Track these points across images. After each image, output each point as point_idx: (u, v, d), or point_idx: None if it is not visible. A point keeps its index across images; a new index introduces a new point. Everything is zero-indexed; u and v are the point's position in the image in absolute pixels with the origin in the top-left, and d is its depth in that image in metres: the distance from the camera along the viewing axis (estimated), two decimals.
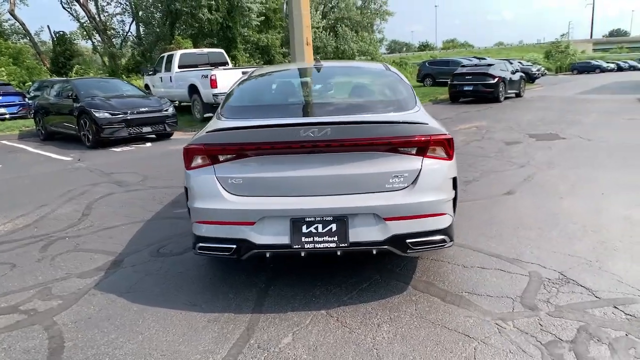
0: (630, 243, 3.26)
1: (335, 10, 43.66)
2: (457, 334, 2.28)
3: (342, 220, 2.35)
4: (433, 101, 16.58)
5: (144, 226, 4.17)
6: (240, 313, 2.57)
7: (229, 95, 3.07)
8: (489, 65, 15.88)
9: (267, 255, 2.45)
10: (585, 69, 44.13)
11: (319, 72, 3.48)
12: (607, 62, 48.14)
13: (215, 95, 10.71)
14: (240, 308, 2.62)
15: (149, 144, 9.30)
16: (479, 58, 26.42)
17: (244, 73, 10.37)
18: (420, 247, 2.45)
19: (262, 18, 34.72)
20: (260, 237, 2.40)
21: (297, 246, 2.37)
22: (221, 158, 2.46)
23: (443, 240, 2.46)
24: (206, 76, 10.79)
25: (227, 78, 10.80)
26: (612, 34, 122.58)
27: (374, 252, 2.41)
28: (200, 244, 2.53)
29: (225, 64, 13.26)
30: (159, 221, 4.31)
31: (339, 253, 2.40)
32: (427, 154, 2.40)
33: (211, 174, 2.47)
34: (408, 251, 2.43)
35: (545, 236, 3.46)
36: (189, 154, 2.53)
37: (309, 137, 2.32)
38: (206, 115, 11.60)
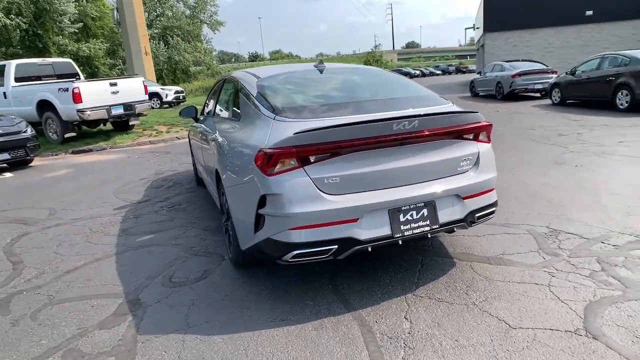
0: (565, 199, 4.25)
1: (162, 18, 41.50)
2: (528, 284, 2.71)
3: (431, 204, 2.55)
4: None
5: (119, 260, 3.53)
6: (338, 314, 2.53)
7: (263, 96, 2.90)
8: None
9: (369, 249, 2.48)
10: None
11: (337, 71, 3.55)
12: (414, 69, 57.58)
13: (80, 111, 9.25)
14: (333, 310, 2.57)
15: (8, 174, 7.54)
16: None
17: (112, 85, 9.25)
18: (482, 219, 2.81)
19: (80, 25, 30.84)
20: (364, 232, 2.43)
21: (397, 235, 2.48)
22: (312, 159, 2.39)
23: (494, 211, 2.88)
24: (66, 89, 9.22)
25: (92, 91, 9.47)
26: (409, 45, 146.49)
27: (455, 229, 2.69)
28: (297, 251, 2.39)
29: (75, 75, 11.49)
30: (132, 252, 3.70)
31: (429, 235, 2.59)
32: (480, 139, 2.79)
33: (304, 176, 2.37)
34: (473, 224, 2.77)
35: (506, 204, 4.23)
36: (272, 159, 2.37)
37: (400, 130, 2.45)
38: (67, 135, 9.92)
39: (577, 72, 11.76)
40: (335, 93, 3.20)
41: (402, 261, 3.14)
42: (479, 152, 2.76)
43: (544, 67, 15.29)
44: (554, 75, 14.06)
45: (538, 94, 14.69)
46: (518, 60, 16.33)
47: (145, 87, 10.91)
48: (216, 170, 3.32)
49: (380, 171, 2.47)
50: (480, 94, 17.17)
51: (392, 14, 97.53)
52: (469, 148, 2.72)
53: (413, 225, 2.51)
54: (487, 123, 2.79)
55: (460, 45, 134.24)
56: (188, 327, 2.51)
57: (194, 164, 5.78)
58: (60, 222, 4.68)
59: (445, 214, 2.60)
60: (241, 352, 2.25)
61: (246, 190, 2.59)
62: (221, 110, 3.86)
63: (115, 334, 2.48)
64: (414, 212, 2.51)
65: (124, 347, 2.36)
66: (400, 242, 2.52)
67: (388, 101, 2.98)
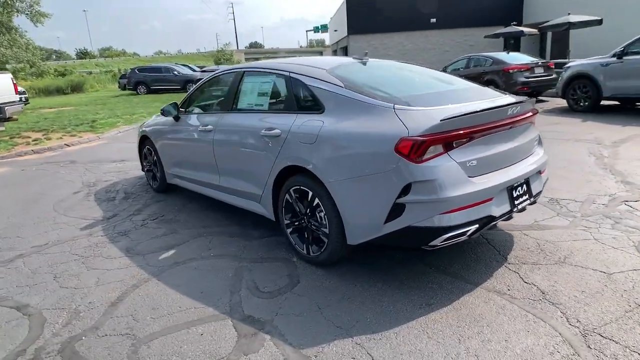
0: None
1: None
2: (582, 241, 3.26)
3: (527, 180, 2.88)
4: None
5: (167, 282, 3.01)
6: (469, 291, 2.67)
7: (353, 88, 2.81)
8: None
9: (497, 225, 2.68)
10: None
11: (382, 65, 3.54)
12: None
13: None
14: (460, 287, 2.71)
15: None
16: (187, 65, 26.89)
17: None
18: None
19: None
20: (497, 209, 2.62)
21: (514, 210, 2.74)
22: (455, 144, 2.47)
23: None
24: None
25: None
26: (252, 45, 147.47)
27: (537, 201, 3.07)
28: (447, 235, 2.45)
29: None
30: (172, 271, 3.17)
31: (526, 209, 2.92)
32: (534, 122, 3.23)
33: (451, 161, 2.45)
34: (537, 198, 3.19)
35: None
36: (422, 146, 2.37)
37: (511, 114, 2.71)
38: None
39: (447, 71, 13.71)
40: (412, 84, 3.27)
41: (477, 241, 3.42)
42: (538, 134, 3.20)
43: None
44: None
45: None
46: None
47: (15, 85, 8.94)
48: (268, 169, 3.15)
49: (500, 152, 2.70)
50: None
51: (233, 12, 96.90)
52: (534, 131, 3.14)
53: (520, 199, 2.80)
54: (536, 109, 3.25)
55: (301, 47, 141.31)
56: (344, 330, 2.35)
57: (155, 169, 5.09)
58: (22, 252, 3.67)
59: (534, 187, 2.96)
60: (425, 338, 2.24)
61: (376, 181, 2.53)
62: (259, 105, 3.54)
63: (273, 356, 2.18)
64: (520, 188, 2.81)
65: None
66: (512, 216, 2.79)
67: (469, 90, 3.20)
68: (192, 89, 4.51)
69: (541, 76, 11.56)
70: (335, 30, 30.96)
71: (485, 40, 20.98)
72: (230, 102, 3.82)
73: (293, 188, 3.09)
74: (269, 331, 2.38)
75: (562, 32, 18.05)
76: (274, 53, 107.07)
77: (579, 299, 2.52)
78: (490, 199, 2.57)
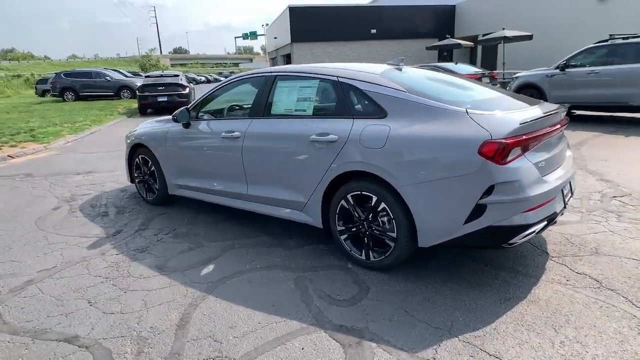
0: None
1: None
2: (602, 234, 3.59)
3: (569, 178, 3.13)
4: (128, 115, 15.28)
5: (226, 298, 2.83)
6: (531, 283, 2.84)
7: (417, 92, 2.87)
8: (175, 75, 16.14)
9: (556, 221, 2.86)
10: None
11: (417, 72, 3.61)
12: (198, 75, 56.55)
13: None
14: (521, 280, 2.86)
15: None
16: (132, 72, 25.27)
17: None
18: None
19: None
20: (557, 206, 2.81)
21: (565, 207, 2.96)
22: (529, 146, 2.62)
23: None
24: None
25: None
26: (177, 51, 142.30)
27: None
28: (525, 232, 2.58)
29: None
30: (225, 286, 2.99)
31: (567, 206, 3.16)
32: None
33: (528, 162, 2.59)
34: None
35: None
36: (507, 149, 2.49)
37: (560, 119, 2.93)
38: None
39: None
40: (460, 90, 3.37)
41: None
42: (567, 138, 3.48)
43: None
44: None
45: None
46: None
47: None
48: (321, 175, 3.13)
49: (555, 154, 2.90)
50: None
51: (156, 16, 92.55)
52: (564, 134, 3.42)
53: (566, 198, 3.03)
54: None
55: (228, 53, 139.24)
56: (444, 331, 2.38)
57: (152, 180, 4.75)
58: (30, 278, 3.23)
59: (573, 185, 3.22)
60: (524, 330, 2.33)
61: (457, 183, 2.60)
62: (300, 110, 3.44)
63: None
64: (567, 186, 3.04)
65: None
66: (563, 213, 3.01)
67: (508, 97, 3.37)
68: (203, 95, 4.28)
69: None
70: (275, 38, 30.95)
71: (422, 51, 22.25)
72: (261, 108, 3.68)
73: (352, 194, 3.06)
74: (371, 338, 2.34)
75: (491, 46, 19.70)
76: (203, 59, 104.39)
77: (630, 284, 2.78)
78: (555, 197, 2.76)
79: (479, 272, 3.02)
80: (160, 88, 15.07)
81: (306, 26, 23.77)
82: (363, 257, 3.12)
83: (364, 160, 2.92)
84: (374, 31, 24.38)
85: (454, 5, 24.73)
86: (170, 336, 2.45)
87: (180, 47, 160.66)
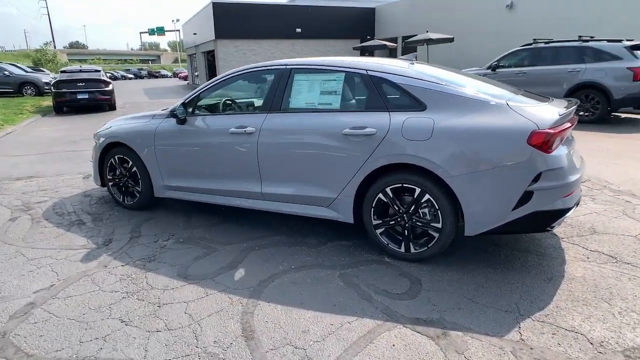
0: None
1: None
2: (591, 214, 4.01)
3: None
4: (42, 114, 13.56)
5: (280, 300, 2.67)
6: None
7: (454, 85, 2.95)
8: (97, 70, 14.64)
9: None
10: None
11: (426, 66, 3.65)
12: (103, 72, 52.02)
13: None
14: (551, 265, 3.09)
15: None
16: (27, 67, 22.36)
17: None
18: None
19: None
20: (580, 191, 3.08)
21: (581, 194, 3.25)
22: (564, 137, 2.83)
23: None
24: None
25: None
26: (73, 45, 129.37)
27: None
28: (564, 216, 2.79)
29: None
30: (273, 288, 2.81)
31: None
32: None
33: (566, 150, 2.80)
34: None
35: None
36: (552, 138, 2.66)
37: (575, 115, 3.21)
38: None
39: None
40: (484, 84, 3.48)
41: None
42: None
43: None
44: None
45: None
46: None
47: None
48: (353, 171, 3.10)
49: (573, 146, 3.17)
50: None
51: (47, 7, 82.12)
52: None
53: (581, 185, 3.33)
54: None
55: (132, 49, 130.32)
56: (516, 313, 2.48)
57: (131, 182, 4.30)
58: (28, 300, 2.73)
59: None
60: (583, 306, 2.52)
61: (506, 172, 2.72)
62: (325, 104, 3.32)
63: (493, 350, 2.18)
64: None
65: None
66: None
67: (525, 93, 3.56)
68: (198, 89, 3.95)
69: None
70: (195, 34, 29.59)
71: (346, 51, 22.89)
72: (277, 102, 3.50)
73: (391, 186, 3.05)
74: (453, 327, 2.36)
75: (412, 47, 20.87)
76: (106, 54, 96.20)
77: (637, 256, 3.15)
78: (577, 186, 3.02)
79: (510, 257, 3.20)
80: (80, 84, 13.60)
81: (231, 22, 23.06)
82: (402, 250, 3.13)
83: (409, 153, 2.93)
84: (299, 30, 24.46)
85: (374, 8, 25.76)
86: (244, 348, 2.24)
87: (77, 41, 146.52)
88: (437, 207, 2.93)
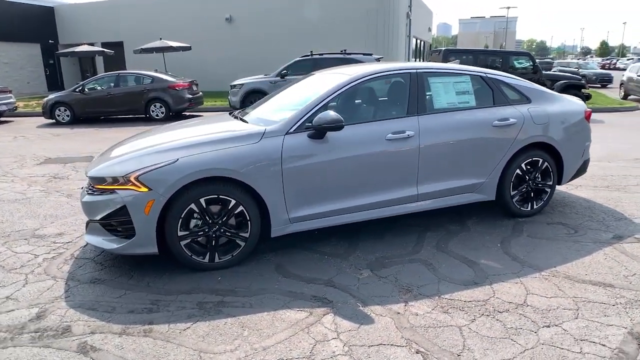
0: None
1: None
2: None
3: None
4: None
5: (356, 303, 3.20)
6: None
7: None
8: None
9: None
10: None
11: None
12: None
13: None
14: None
15: None
16: None
17: None
18: None
19: None
20: None
21: None
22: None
23: None
24: None
25: None
26: None
27: None
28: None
29: None
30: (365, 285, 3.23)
31: None
32: None
33: None
34: None
35: None
36: (590, 114, 4.32)
37: None
38: None
39: (86, 90, 11.99)
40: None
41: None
42: None
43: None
44: (8, 95, 12.81)
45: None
46: None
47: None
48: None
49: None
50: None
51: None
52: None
53: None
54: None
55: None
56: (553, 270, 4.03)
57: (235, 228, 3.19)
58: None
59: None
60: (606, 267, 4.36)
61: (579, 135, 4.22)
62: (463, 102, 3.76)
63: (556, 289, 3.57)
64: None
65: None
66: None
67: None
68: (318, 100, 3.34)
69: (196, 93, 12.88)
70: None
71: (24, 57, 18.69)
72: (422, 104, 3.63)
73: (525, 162, 3.97)
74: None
75: (113, 57, 19.14)
76: None
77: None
78: None
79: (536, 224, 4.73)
80: None
81: None
82: (528, 209, 4.13)
83: (541, 134, 3.96)
84: None
85: (52, 7, 21.42)
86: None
87: None
88: (550, 170, 4.12)
